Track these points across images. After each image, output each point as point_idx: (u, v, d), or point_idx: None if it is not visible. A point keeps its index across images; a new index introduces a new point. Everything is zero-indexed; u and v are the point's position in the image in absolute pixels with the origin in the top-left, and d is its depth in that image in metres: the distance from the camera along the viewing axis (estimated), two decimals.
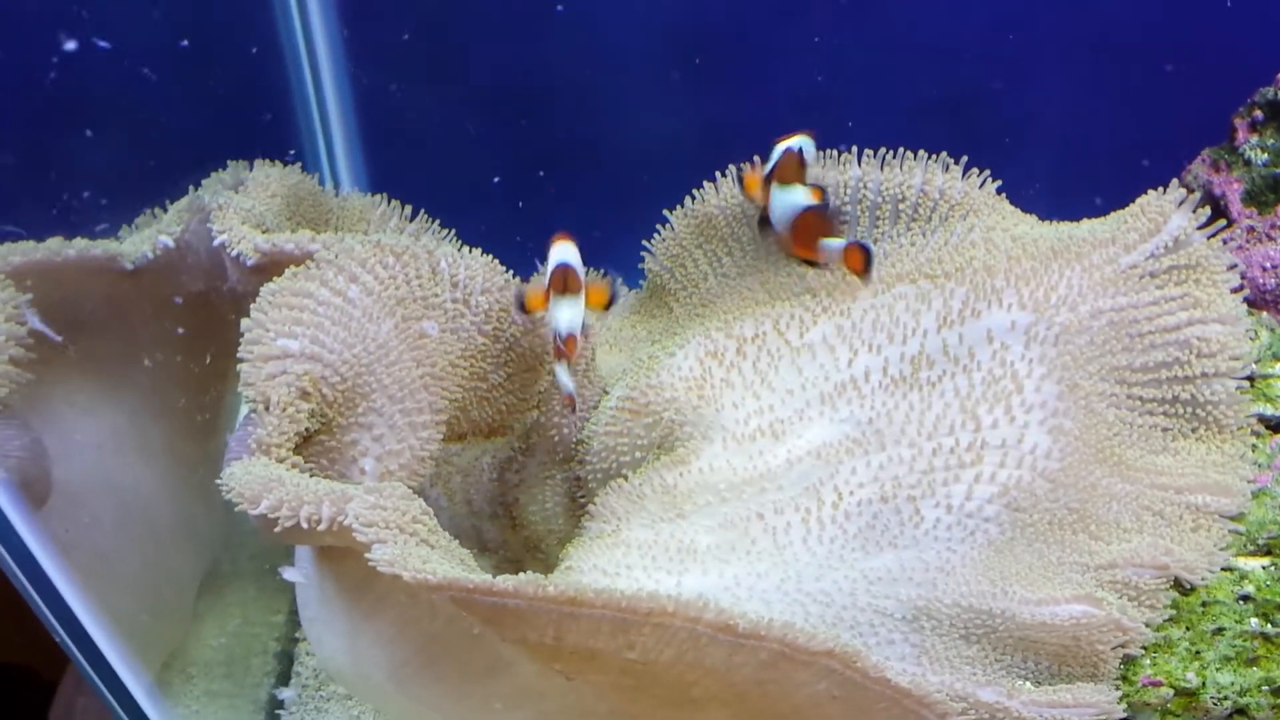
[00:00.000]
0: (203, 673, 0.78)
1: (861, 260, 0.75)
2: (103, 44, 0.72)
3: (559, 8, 0.96)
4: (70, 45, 0.72)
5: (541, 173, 1.05)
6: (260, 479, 0.60)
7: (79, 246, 0.72)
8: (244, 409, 0.82)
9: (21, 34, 0.69)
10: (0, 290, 0.67)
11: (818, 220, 0.78)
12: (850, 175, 0.81)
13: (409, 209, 0.86)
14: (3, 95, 0.68)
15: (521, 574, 0.61)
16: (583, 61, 0.97)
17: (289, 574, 0.65)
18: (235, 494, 0.62)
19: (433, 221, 0.87)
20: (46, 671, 2.14)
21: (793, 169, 0.80)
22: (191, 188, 0.79)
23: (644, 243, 0.91)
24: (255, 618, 0.89)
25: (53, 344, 0.69)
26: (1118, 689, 0.71)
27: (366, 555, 0.59)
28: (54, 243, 0.70)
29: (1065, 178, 0.90)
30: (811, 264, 0.81)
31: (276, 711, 0.86)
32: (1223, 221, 0.76)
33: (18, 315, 0.68)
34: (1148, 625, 0.69)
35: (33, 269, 0.67)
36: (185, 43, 0.79)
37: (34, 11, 0.69)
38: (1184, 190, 0.77)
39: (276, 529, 0.61)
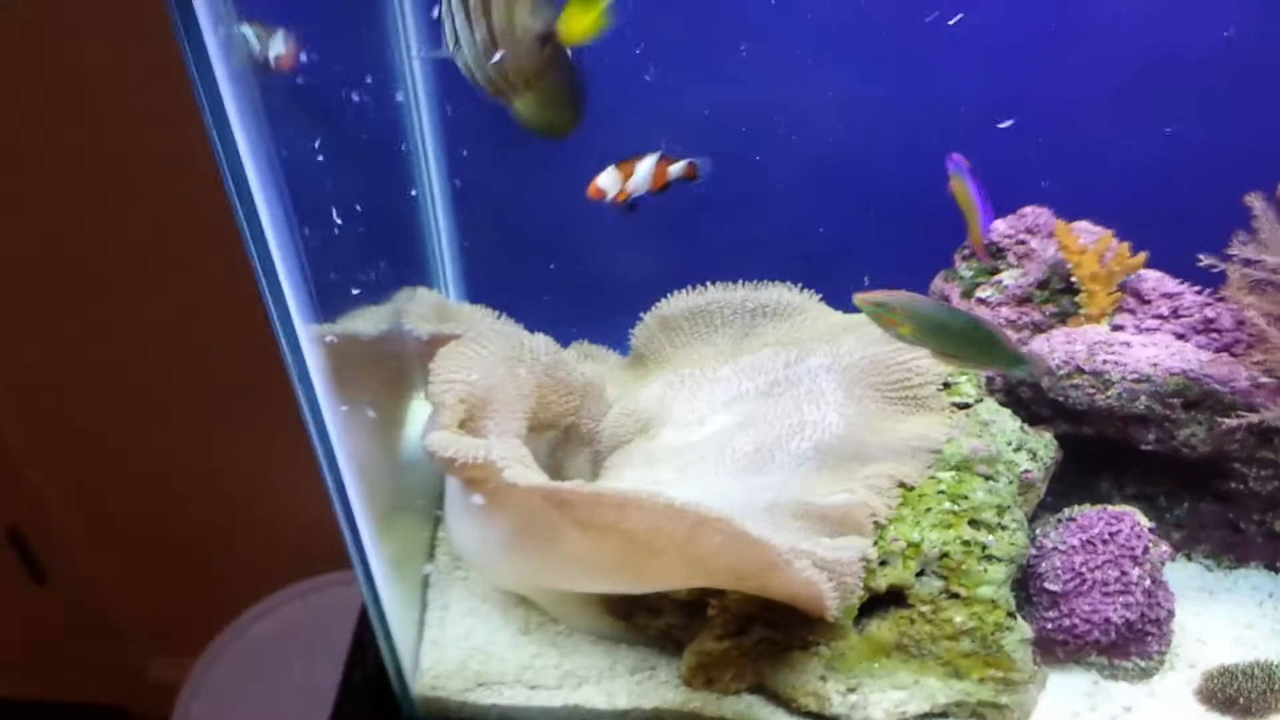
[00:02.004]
0: (396, 562, 1.17)
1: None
2: (357, 210, 1.09)
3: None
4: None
5: (558, 284, 1.52)
6: (446, 440, 1.03)
7: (346, 325, 1.07)
8: (420, 408, 1.32)
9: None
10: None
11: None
12: (739, 295, 1.34)
13: (498, 312, 1.33)
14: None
15: (574, 481, 1.01)
16: (603, 215, 1.40)
17: (479, 500, 1.06)
18: (435, 446, 1.01)
19: (508, 317, 1.33)
20: (140, 710, 2.55)
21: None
22: (390, 297, 1.25)
23: (630, 330, 1.41)
24: (415, 533, 1.32)
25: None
26: (874, 542, 1.10)
27: (502, 475, 0.98)
28: (341, 324, 1.05)
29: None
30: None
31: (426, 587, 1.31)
32: None
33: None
34: (887, 507, 1.12)
35: (325, 334, 0.98)
36: (366, 208, 1.17)
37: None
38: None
39: (455, 464, 1.02)
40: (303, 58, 0.96)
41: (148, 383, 1.89)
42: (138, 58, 1.33)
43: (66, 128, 1.55)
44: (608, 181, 1.13)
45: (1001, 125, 1.25)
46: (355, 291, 1.11)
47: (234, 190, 0.81)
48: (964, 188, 1.19)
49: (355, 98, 1.19)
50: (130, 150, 1.54)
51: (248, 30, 0.89)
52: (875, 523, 1.12)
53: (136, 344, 1.82)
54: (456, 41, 0.98)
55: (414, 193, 1.41)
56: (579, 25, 0.97)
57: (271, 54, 0.93)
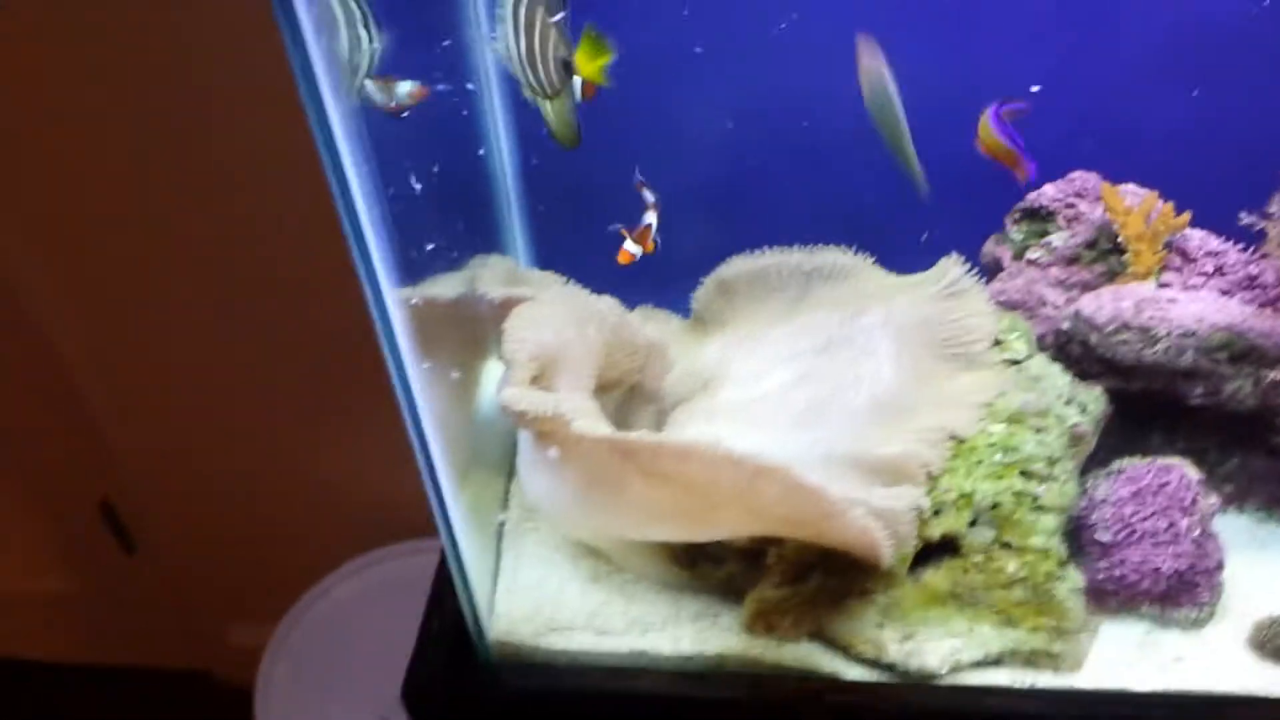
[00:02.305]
0: (472, 512, 1.25)
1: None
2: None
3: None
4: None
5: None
6: (518, 395, 1.07)
7: (425, 289, 1.15)
8: (493, 368, 1.38)
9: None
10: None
11: None
12: (794, 258, 1.39)
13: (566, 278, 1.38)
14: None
15: (638, 432, 1.10)
16: (666, 185, 1.42)
17: (551, 452, 1.11)
18: (508, 402, 1.06)
19: (574, 282, 1.39)
20: (221, 674, 2.68)
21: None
22: (466, 264, 1.31)
23: (690, 294, 1.48)
24: (489, 487, 1.39)
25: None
26: (927, 492, 1.13)
27: (570, 427, 1.03)
28: (422, 288, 1.12)
29: (924, 252, 1.38)
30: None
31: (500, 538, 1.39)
32: (975, 269, 1.31)
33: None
34: (939, 459, 1.14)
35: (407, 297, 1.04)
36: (444, 179, 1.23)
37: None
38: (959, 256, 1.33)
39: (527, 417, 1.06)
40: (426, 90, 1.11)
41: (229, 358, 1.99)
42: (233, 39, 1.41)
43: (152, 113, 1.64)
44: (632, 246, 1.29)
45: (1032, 90, 1.29)
46: (435, 259, 1.19)
47: (330, 166, 0.88)
48: (988, 130, 1.23)
49: (435, 78, 1.26)
50: (214, 134, 1.63)
51: (370, 85, 1.07)
52: (928, 474, 1.16)
53: (218, 319, 1.92)
54: (508, 44, 1.16)
55: (481, 152, 1.49)
56: (585, 66, 1.18)
57: (400, 95, 1.10)
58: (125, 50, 1.58)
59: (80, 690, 2.72)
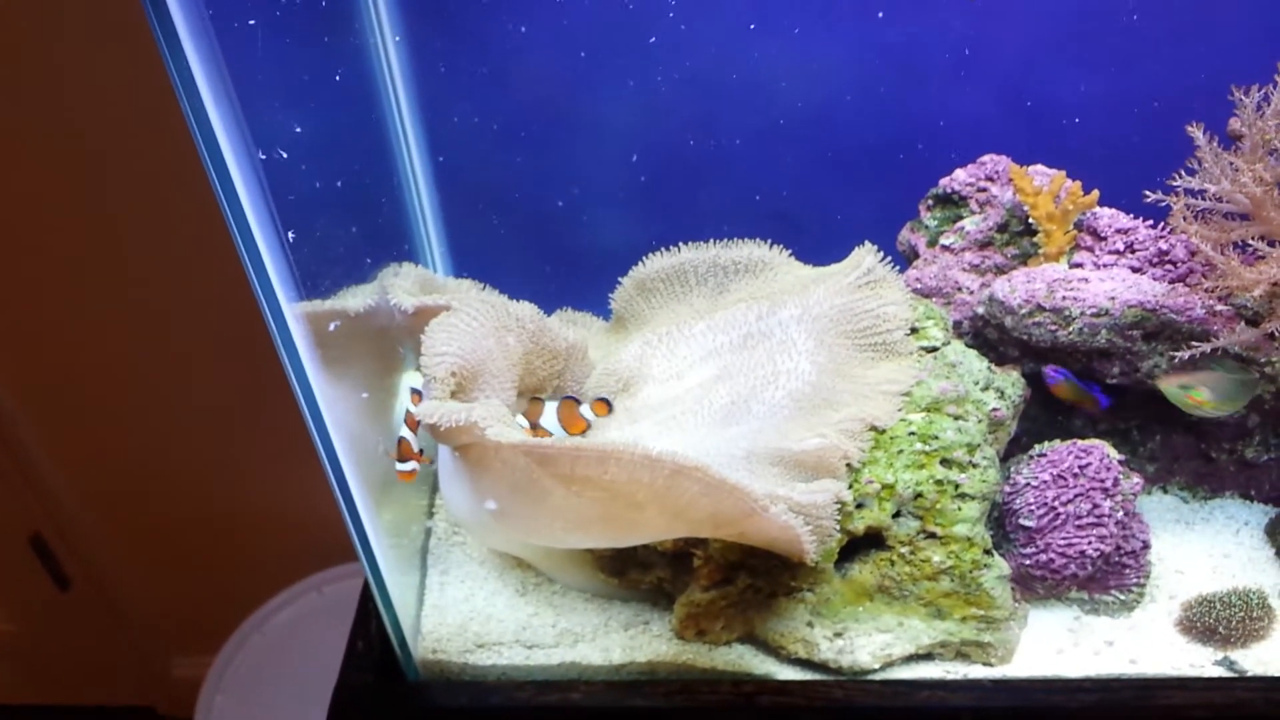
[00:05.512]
0: (386, 534, 1.20)
1: None
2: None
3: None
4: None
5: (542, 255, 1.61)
6: (432, 407, 1.06)
7: (333, 304, 1.12)
8: (409, 380, 1.36)
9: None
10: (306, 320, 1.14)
11: None
12: (711, 253, 1.39)
13: (483, 283, 1.37)
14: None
15: (555, 437, 1.08)
16: (581, 184, 1.54)
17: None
18: (423, 416, 1.06)
19: (490, 287, 1.37)
20: (165, 708, 2.65)
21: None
22: (375, 274, 1.29)
23: (609, 295, 1.45)
24: (412, 503, 1.38)
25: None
26: (849, 485, 1.15)
27: (484, 435, 1.02)
28: (316, 303, 1.07)
29: (837, 244, 1.39)
30: None
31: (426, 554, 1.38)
32: (889, 258, 1.32)
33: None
34: (859, 450, 1.16)
35: (311, 312, 1.04)
36: (348, 188, 1.25)
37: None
38: (873, 245, 1.33)
39: (441, 430, 1.06)
40: None
41: (162, 385, 1.97)
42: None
43: (86, 148, 1.62)
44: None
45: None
46: (341, 269, 1.17)
47: (214, 174, 0.87)
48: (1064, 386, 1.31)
49: (333, 78, 1.27)
50: (153, 169, 1.60)
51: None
52: (849, 466, 1.18)
53: (151, 347, 1.90)
54: None
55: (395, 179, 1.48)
56: None
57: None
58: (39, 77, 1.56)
59: None
